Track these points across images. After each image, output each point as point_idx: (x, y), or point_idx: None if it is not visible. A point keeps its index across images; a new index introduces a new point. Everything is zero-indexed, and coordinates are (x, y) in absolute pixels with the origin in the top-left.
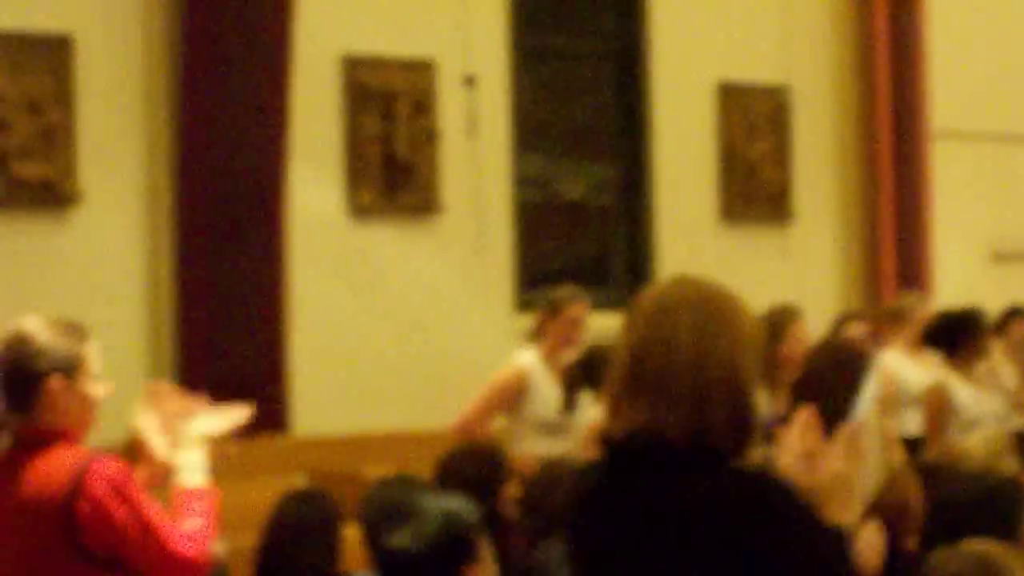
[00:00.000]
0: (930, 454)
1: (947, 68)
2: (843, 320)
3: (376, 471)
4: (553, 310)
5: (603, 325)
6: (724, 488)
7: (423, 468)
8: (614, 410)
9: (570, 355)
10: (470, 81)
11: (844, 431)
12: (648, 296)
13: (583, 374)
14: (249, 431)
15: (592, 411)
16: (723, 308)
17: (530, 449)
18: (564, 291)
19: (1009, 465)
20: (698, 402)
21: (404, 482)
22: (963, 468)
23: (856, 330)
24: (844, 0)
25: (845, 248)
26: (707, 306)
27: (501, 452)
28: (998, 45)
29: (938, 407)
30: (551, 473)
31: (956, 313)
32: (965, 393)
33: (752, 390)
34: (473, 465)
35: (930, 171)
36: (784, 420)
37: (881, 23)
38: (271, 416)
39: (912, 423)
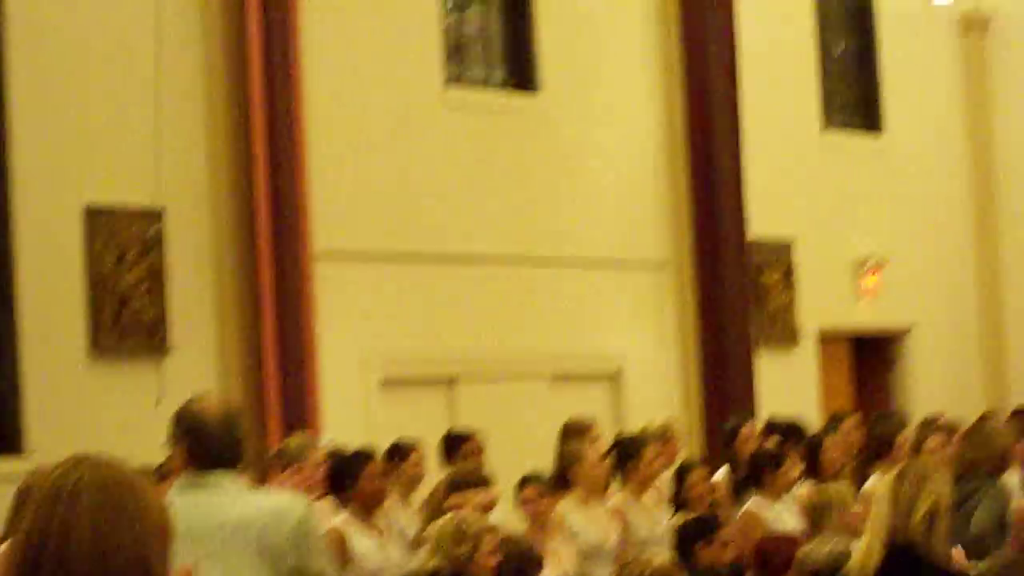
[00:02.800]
0: None
1: (328, 186)
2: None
3: None
4: None
5: None
6: None
7: None
8: None
9: None
10: None
11: None
12: (42, 480)
13: None
14: None
15: None
16: (127, 493)
17: None
18: None
19: None
20: None
21: None
22: None
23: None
24: (220, 118)
25: (226, 381)
26: (109, 491)
27: None
28: (379, 163)
29: (336, 554)
30: None
31: (347, 455)
32: (365, 542)
33: None
34: None
35: (314, 294)
36: None
37: (259, 143)
38: None
39: None
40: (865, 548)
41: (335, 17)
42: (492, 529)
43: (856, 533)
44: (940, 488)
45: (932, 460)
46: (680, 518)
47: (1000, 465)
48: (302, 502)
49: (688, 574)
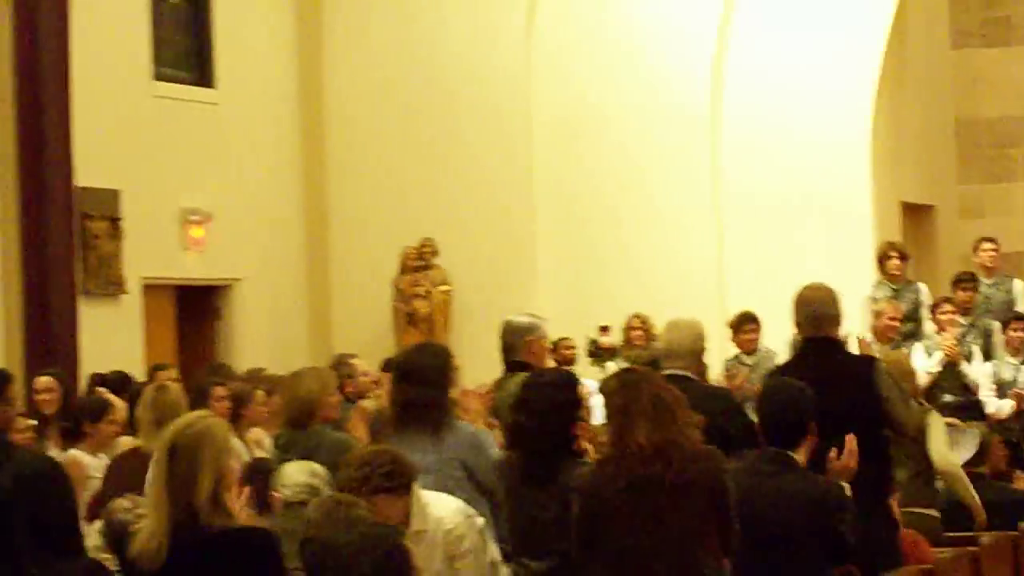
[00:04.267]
0: None
1: None
2: None
3: None
4: None
5: None
6: None
7: None
8: None
9: None
10: None
11: None
12: None
13: None
14: None
15: None
16: None
17: None
18: None
19: None
20: None
21: None
22: None
23: None
24: None
25: None
26: None
27: None
28: None
29: None
30: None
31: None
32: None
33: None
34: None
35: None
36: None
37: None
38: None
39: None
40: (147, 526)
41: None
42: None
43: None
44: (217, 448)
45: (209, 419)
46: None
47: (308, 418)
48: None
49: None
